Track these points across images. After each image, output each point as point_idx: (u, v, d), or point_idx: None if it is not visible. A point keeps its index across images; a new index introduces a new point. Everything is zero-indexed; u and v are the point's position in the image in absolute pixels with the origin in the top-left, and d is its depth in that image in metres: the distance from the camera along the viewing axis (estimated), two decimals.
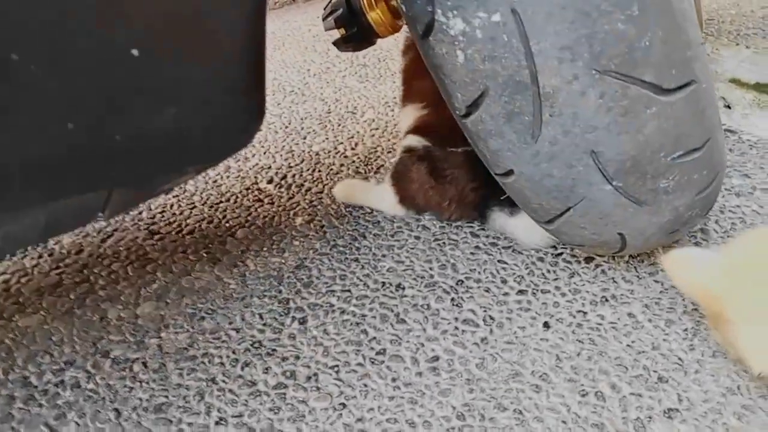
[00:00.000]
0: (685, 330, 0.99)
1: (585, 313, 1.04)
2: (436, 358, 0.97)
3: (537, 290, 1.10)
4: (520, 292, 1.10)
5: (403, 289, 1.12)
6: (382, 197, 1.30)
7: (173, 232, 1.30)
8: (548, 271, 1.14)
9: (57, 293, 1.14)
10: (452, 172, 1.21)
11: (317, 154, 1.58)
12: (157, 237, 1.29)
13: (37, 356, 1.01)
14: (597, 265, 1.14)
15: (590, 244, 0.89)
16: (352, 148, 1.60)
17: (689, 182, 0.75)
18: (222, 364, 0.98)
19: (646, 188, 0.74)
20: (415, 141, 1.26)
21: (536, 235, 1.16)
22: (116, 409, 0.91)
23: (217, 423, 0.89)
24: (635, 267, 1.13)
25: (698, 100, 0.71)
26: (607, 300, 1.06)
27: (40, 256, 1.25)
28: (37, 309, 1.11)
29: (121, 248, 1.26)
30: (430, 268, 1.17)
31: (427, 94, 1.27)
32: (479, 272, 1.15)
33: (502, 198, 1.00)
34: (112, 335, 1.04)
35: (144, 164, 0.64)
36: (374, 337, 1.02)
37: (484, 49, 0.68)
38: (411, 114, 1.30)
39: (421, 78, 1.29)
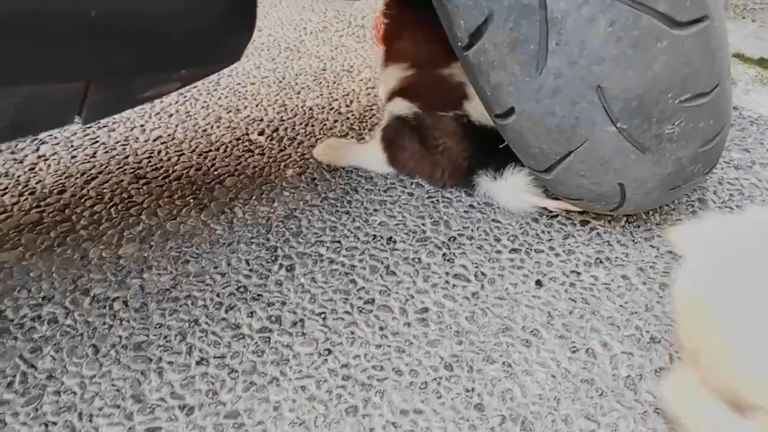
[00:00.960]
0: None
1: (578, 273, 1.02)
2: (426, 310, 0.95)
3: (530, 250, 1.08)
4: (513, 250, 1.08)
5: (395, 242, 1.10)
6: (371, 156, 1.27)
7: (159, 178, 1.27)
8: (542, 232, 1.12)
9: (37, 231, 1.10)
10: (444, 141, 1.18)
11: (311, 109, 1.54)
12: (142, 181, 1.25)
13: (14, 291, 0.97)
14: (592, 228, 1.12)
15: (589, 197, 0.87)
16: (347, 105, 1.56)
17: (694, 131, 0.73)
18: (205, 306, 0.95)
19: (651, 133, 0.71)
20: (404, 107, 1.22)
21: (516, 199, 1.13)
22: (94, 346, 0.88)
23: (198, 363, 0.86)
24: (631, 231, 1.11)
25: (710, 39, 0.68)
26: (601, 262, 1.05)
27: (21, 194, 1.20)
28: (16, 245, 1.07)
29: (105, 190, 1.22)
30: (423, 224, 1.15)
31: (410, 54, 1.24)
32: (472, 230, 1.13)
33: (500, 146, 0.97)
34: (92, 274, 1.01)
35: (123, 55, 0.59)
36: (363, 287, 0.99)
37: None
38: (394, 75, 1.27)
39: (403, 38, 1.26)
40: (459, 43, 0.74)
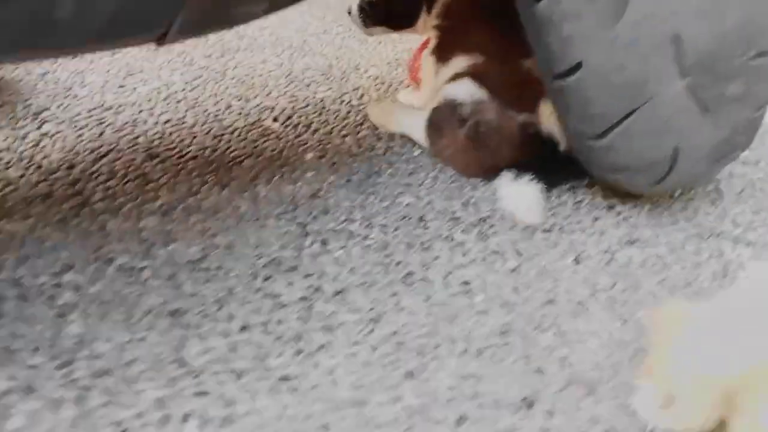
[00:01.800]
0: (714, 273, 0.99)
1: (613, 252, 1.02)
2: (468, 283, 0.93)
3: (562, 230, 1.07)
4: (546, 230, 1.07)
5: (426, 221, 1.08)
6: (417, 131, 1.26)
7: (174, 157, 1.22)
8: (571, 215, 1.11)
9: (48, 203, 1.04)
10: (498, 141, 1.14)
11: (321, 100, 1.52)
12: (156, 160, 1.20)
13: (29, 260, 0.90)
14: (618, 213, 1.13)
15: (637, 165, 0.87)
16: (358, 99, 1.55)
17: (752, 93, 0.74)
18: (239, 276, 0.91)
19: (715, 92, 0.73)
20: (468, 91, 1.16)
21: (524, 206, 1.10)
22: (125, 312, 0.82)
23: (241, 329, 0.81)
24: (655, 217, 1.12)
25: None
26: (632, 242, 1.05)
27: (26, 168, 1.13)
28: (26, 216, 1.00)
29: (117, 168, 1.16)
30: (452, 206, 1.13)
31: (483, 45, 1.21)
32: (502, 212, 1.12)
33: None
34: (114, 244, 0.95)
35: None
36: (401, 261, 0.97)
37: None
38: (459, 64, 1.23)
39: (471, 32, 1.25)
40: None
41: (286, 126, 1.38)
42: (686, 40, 0.70)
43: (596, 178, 1.12)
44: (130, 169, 1.15)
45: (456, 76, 1.20)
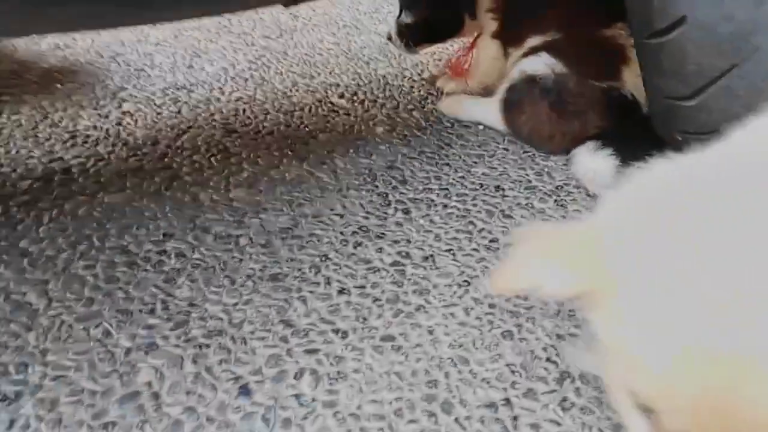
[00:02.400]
0: None
1: None
2: None
3: None
4: None
5: (503, 190, 1.09)
6: (490, 114, 1.26)
7: (251, 132, 1.25)
8: None
9: (140, 176, 1.08)
10: (584, 108, 1.14)
11: (384, 77, 1.54)
12: (235, 135, 1.24)
13: (132, 229, 0.95)
14: None
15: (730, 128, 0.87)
16: (419, 74, 1.56)
17: None
18: (331, 243, 0.94)
19: None
20: (545, 64, 1.16)
21: (593, 181, 1.10)
22: (229, 277, 0.86)
23: (339, 292, 0.84)
24: None
25: None
26: None
27: (114, 145, 1.18)
28: (122, 188, 1.05)
29: (199, 143, 1.20)
30: (526, 175, 1.15)
31: (558, 22, 1.21)
32: (577, 181, 1.13)
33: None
34: (208, 214, 0.99)
35: None
36: (483, 228, 0.99)
37: None
38: (533, 43, 1.24)
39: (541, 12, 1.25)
40: None
41: (353, 102, 1.40)
42: None
43: (674, 147, 1.11)
44: (211, 144, 1.19)
45: (531, 51, 1.20)
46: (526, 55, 1.21)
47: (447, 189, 1.09)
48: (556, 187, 1.10)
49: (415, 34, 1.39)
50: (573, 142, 1.14)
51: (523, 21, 1.27)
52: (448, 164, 1.17)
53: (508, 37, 1.30)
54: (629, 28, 0.87)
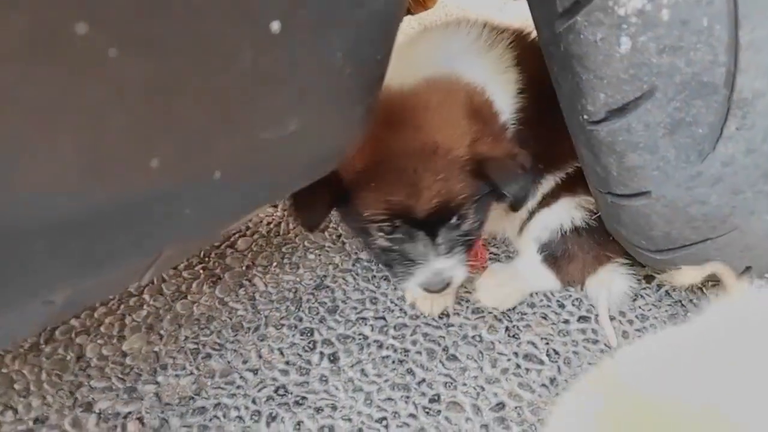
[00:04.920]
0: None
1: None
2: (502, 406, 0.81)
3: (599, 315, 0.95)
4: (582, 318, 0.95)
5: (448, 316, 0.95)
6: (543, 279, 0.99)
7: None
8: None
9: None
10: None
11: None
12: None
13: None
14: (659, 285, 1.00)
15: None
16: None
17: None
18: (240, 418, 0.79)
19: None
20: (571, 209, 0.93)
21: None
22: None
23: None
24: (700, 288, 0.99)
25: None
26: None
27: None
28: None
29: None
30: (474, 289, 1.00)
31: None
32: (532, 295, 0.99)
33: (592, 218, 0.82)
34: (93, 380, 0.83)
35: (225, 204, 0.44)
36: (423, 379, 0.85)
37: (668, 37, 0.50)
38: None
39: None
40: (585, 117, 0.60)
41: None
42: None
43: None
44: None
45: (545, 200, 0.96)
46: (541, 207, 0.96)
47: (384, 317, 0.94)
48: (508, 310, 0.96)
49: None
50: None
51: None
52: (386, 278, 1.02)
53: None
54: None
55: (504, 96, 0.81)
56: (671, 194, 0.60)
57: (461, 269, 0.83)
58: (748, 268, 0.69)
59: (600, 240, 0.82)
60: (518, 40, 0.90)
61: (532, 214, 0.96)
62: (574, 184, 0.90)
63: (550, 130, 0.78)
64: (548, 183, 0.92)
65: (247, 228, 1.12)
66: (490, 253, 1.09)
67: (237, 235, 1.10)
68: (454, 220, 0.79)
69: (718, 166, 0.57)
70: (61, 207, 0.32)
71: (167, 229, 0.41)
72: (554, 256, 0.95)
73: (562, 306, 0.97)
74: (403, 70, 0.77)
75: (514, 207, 0.84)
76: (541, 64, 0.77)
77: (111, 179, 0.33)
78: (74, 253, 0.36)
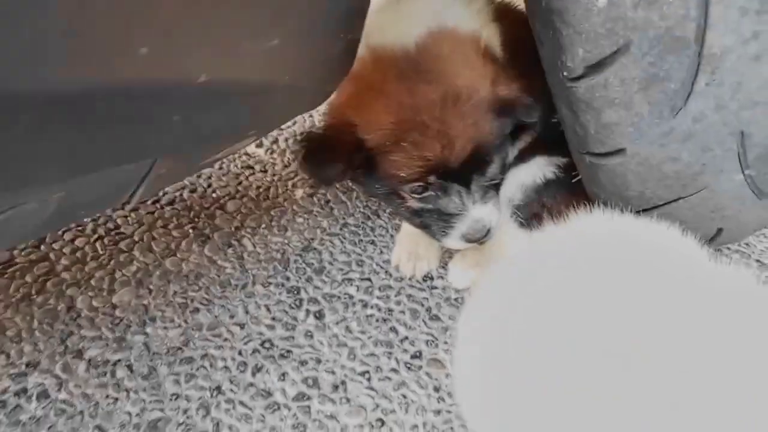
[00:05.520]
0: None
1: None
2: None
3: None
4: None
5: (432, 279, 0.98)
6: (521, 243, 0.95)
7: (149, 203, 1.10)
8: None
9: (9, 274, 0.92)
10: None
11: (310, 116, 1.39)
12: (128, 208, 1.08)
13: None
14: None
15: None
16: None
17: None
18: (227, 368, 0.81)
19: None
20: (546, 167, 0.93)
21: None
22: (99, 428, 0.73)
23: None
24: None
25: None
26: None
27: None
28: None
29: (84, 220, 1.04)
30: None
31: None
32: None
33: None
34: (84, 330, 0.85)
35: (212, 123, 0.45)
36: (406, 337, 0.87)
37: None
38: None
39: None
40: (565, 73, 0.62)
41: (272, 152, 1.26)
42: (753, 134, 0.59)
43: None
44: (98, 222, 1.04)
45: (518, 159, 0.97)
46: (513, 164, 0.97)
47: (369, 279, 0.97)
48: None
49: None
50: None
51: None
52: (373, 241, 1.04)
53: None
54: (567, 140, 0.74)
55: (493, 46, 0.83)
56: (645, 151, 0.62)
57: (496, 214, 0.84)
58: (719, 231, 0.72)
59: (575, 190, 0.84)
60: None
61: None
62: (548, 144, 0.92)
63: (526, 88, 0.80)
64: (522, 143, 0.94)
65: (237, 191, 1.14)
66: None
67: (226, 198, 1.12)
68: (485, 166, 0.81)
69: (689, 122, 0.59)
70: (52, 85, 0.33)
71: (157, 134, 0.43)
72: (530, 216, 0.96)
73: None
74: (396, 30, 0.78)
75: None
76: (516, 23, 0.79)
77: (102, 61, 0.34)
78: (68, 143, 0.37)
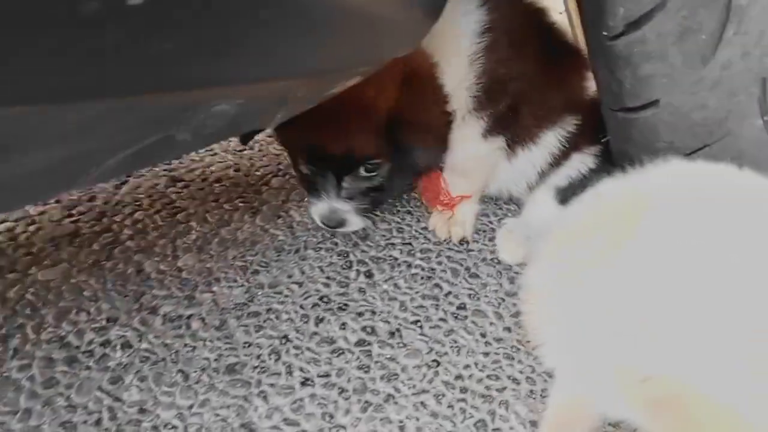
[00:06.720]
0: None
1: None
2: (520, 313, 0.92)
3: None
4: None
5: (467, 243, 1.06)
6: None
7: (198, 180, 1.17)
8: None
9: (77, 243, 0.99)
10: None
11: None
12: (180, 184, 1.15)
13: (70, 314, 0.87)
14: None
15: None
16: None
17: None
18: (291, 320, 0.88)
19: None
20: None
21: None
22: (182, 371, 0.80)
23: (302, 383, 0.79)
24: None
25: None
26: None
27: (45, 203, 1.08)
28: (57, 261, 0.95)
29: (140, 195, 1.11)
30: (490, 222, 1.11)
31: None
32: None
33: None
34: (155, 290, 0.92)
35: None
36: (450, 292, 0.95)
37: None
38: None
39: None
40: (605, 33, 0.70)
41: None
42: None
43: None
44: (155, 197, 1.11)
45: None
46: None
47: (410, 244, 1.04)
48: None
49: None
50: None
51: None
52: (410, 212, 1.12)
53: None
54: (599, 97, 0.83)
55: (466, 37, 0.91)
56: (677, 100, 0.71)
57: (356, 218, 0.95)
58: None
59: None
60: None
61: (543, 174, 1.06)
62: (581, 139, 1.02)
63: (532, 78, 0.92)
64: (549, 138, 1.02)
65: (278, 169, 1.21)
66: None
67: (270, 175, 1.19)
68: (361, 172, 0.92)
69: (717, 70, 0.68)
70: None
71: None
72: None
73: None
74: None
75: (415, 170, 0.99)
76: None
77: None
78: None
